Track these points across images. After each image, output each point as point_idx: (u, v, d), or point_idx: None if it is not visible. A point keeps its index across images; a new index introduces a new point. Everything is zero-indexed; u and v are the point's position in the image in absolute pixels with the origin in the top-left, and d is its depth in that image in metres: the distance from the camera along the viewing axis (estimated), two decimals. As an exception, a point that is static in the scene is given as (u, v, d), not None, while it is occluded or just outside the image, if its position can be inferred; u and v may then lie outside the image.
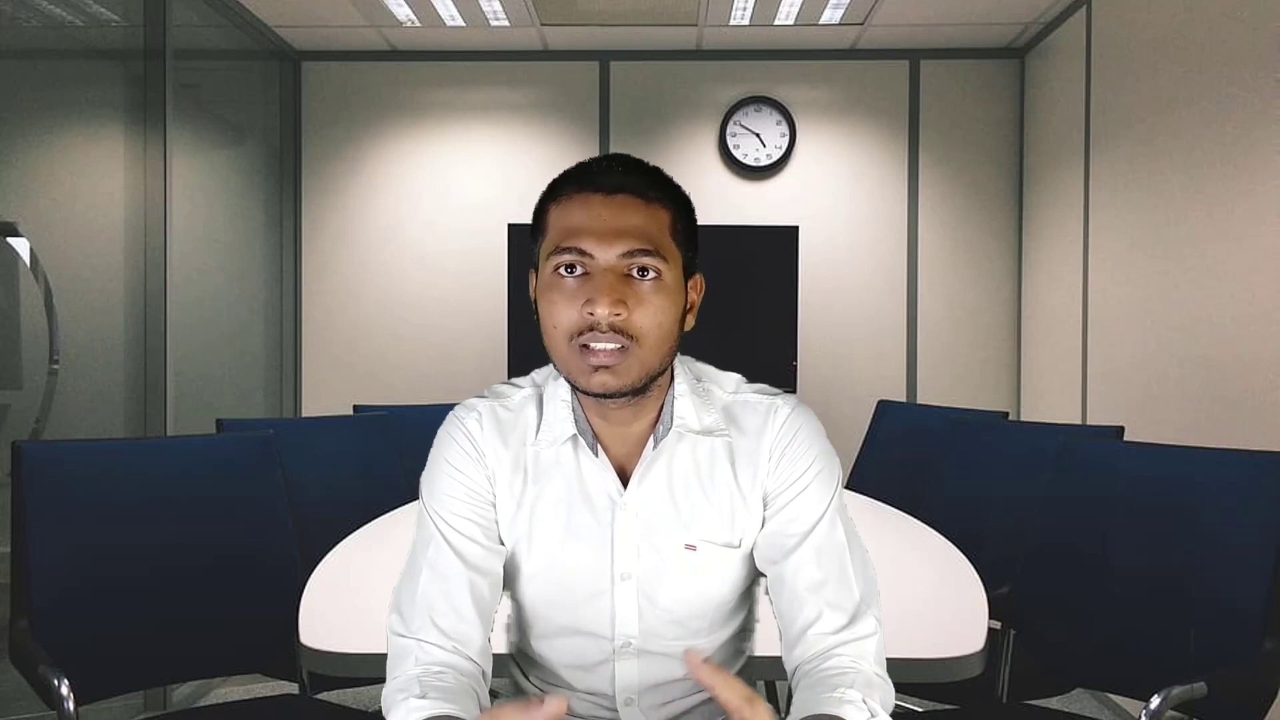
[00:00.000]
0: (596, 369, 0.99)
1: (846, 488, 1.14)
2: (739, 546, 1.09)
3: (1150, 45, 3.01)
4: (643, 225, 1.01)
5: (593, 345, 0.99)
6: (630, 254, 0.99)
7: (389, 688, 1.01)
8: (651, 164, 1.07)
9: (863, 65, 4.21)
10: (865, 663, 1.01)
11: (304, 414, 4.23)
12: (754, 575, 1.15)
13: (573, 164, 1.07)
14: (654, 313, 1.00)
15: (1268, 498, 1.61)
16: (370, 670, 1.30)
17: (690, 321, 1.08)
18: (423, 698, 0.96)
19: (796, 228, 4.11)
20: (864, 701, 0.94)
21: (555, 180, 1.06)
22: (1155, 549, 1.77)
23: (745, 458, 1.09)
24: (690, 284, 1.07)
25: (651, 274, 1.00)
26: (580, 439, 1.08)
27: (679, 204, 1.06)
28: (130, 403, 3.19)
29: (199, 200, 3.58)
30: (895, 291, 4.22)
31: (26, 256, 2.76)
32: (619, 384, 1.00)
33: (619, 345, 0.99)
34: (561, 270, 1.01)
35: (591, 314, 0.98)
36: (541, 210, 1.06)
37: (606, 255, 0.99)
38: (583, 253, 1.00)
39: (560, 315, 1.00)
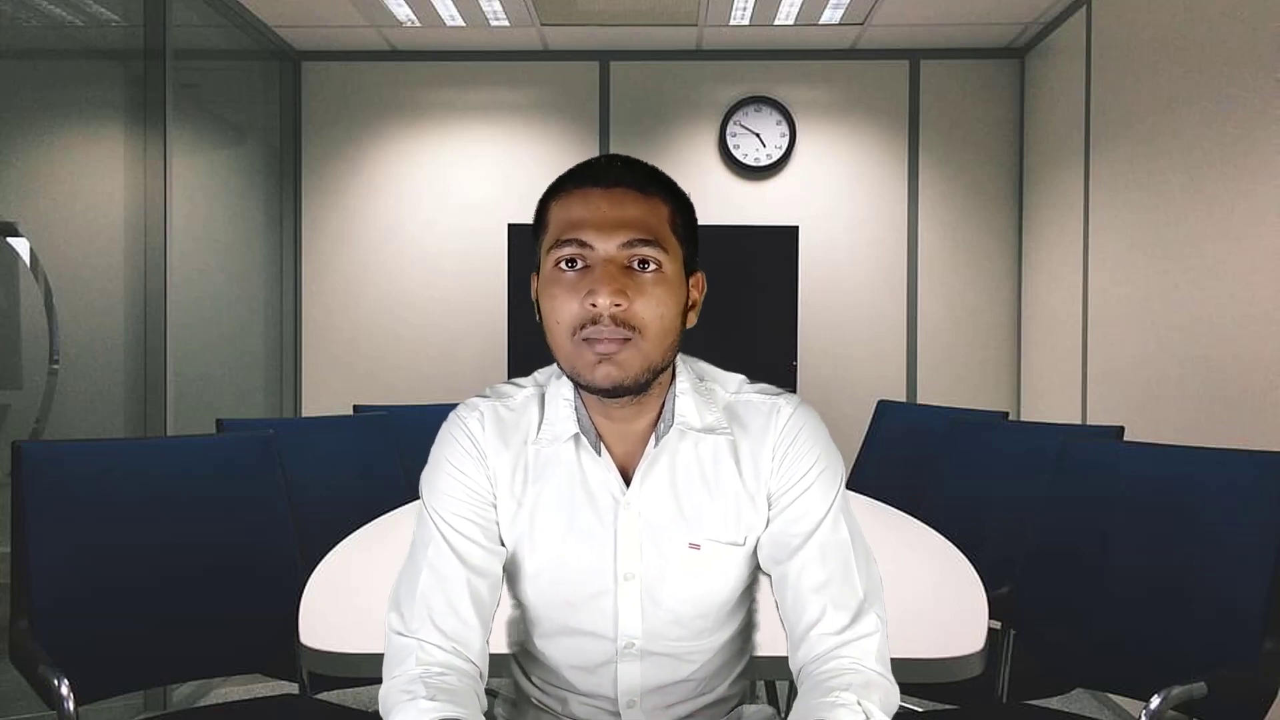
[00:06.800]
0: (600, 360, 0.99)
1: (846, 488, 1.13)
2: (743, 544, 1.09)
3: (1150, 45, 3.02)
4: (642, 216, 1.01)
5: (595, 338, 0.99)
6: (630, 244, 1.00)
7: (390, 686, 1.01)
8: (650, 164, 1.08)
9: (863, 65, 4.21)
10: (866, 662, 1.01)
11: (304, 414, 4.23)
12: (755, 573, 1.15)
13: (573, 164, 1.08)
14: (655, 304, 1.00)
15: (1268, 498, 1.61)
16: (370, 670, 1.30)
17: (693, 319, 1.08)
18: (432, 700, 0.96)
19: (796, 228, 4.11)
20: (859, 703, 0.94)
21: (555, 180, 1.07)
22: (1155, 549, 1.77)
23: (749, 456, 1.09)
24: (692, 281, 1.08)
25: (652, 266, 1.01)
26: (583, 438, 1.08)
27: (678, 199, 1.07)
28: (130, 403, 3.19)
29: (199, 200, 3.58)
30: (895, 291, 4.22)
31: (26, 256, 2.76)
32: (622, 376, 1.00)
33: (621, 338, 0.99)
34: (562, 265, 1.01)
35: (593, 305, 0.98)
36: (542, 208, 1.07)
37: (607, 246, 1.00)
38: (583, 244, 1.00)
39: (562, 309, 1.00)
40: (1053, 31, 3.83)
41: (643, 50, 4.19)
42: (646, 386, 1.03)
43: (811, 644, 1.03)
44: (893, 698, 1.00)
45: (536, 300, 1.06)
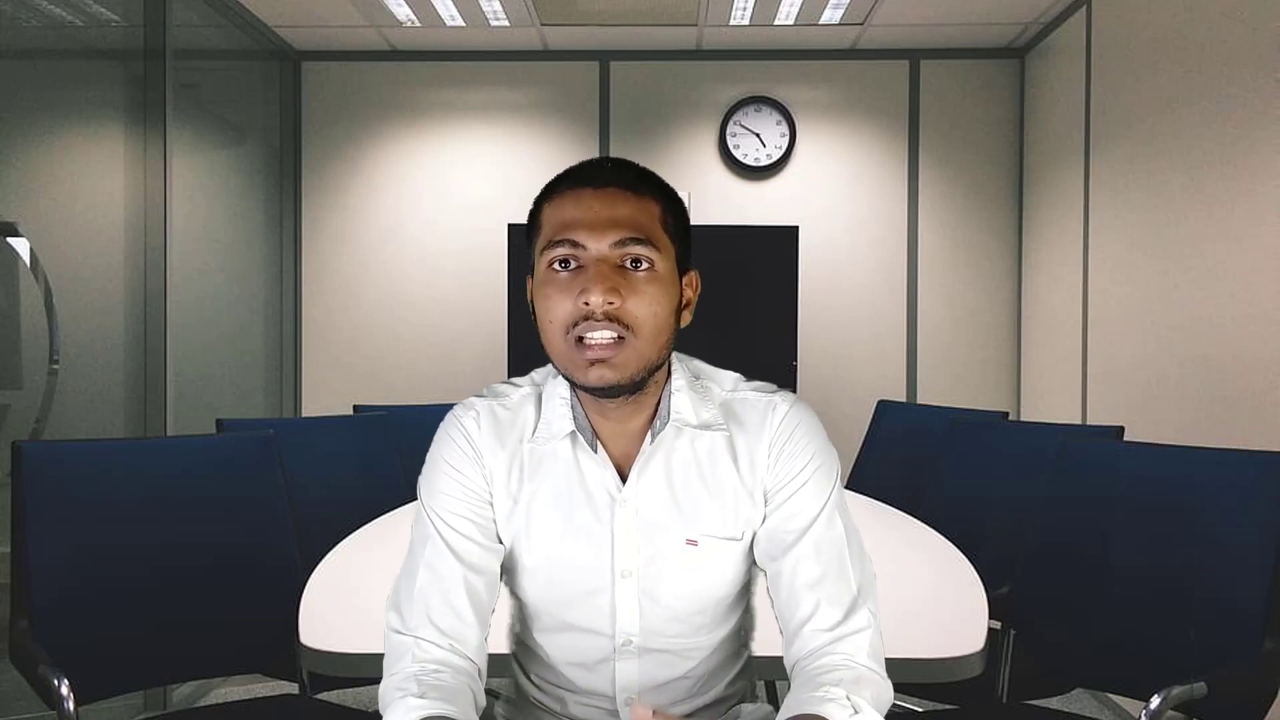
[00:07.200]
0: (593, 363, 1.00)
1: (847, 488, 1.14)
2: (741, 539, 1.10)
3: (1150, 45, 3.02)
4: (633, 215, 1.02)
5: (588, 337, 1.00)
6: (622, 243, 1.01)
7: (386, 684, 1.01)
8: (642, 165, 1.09)
9: (863, 65, 4.21)
10: (858, 658, 1.01)
11: (304, 414, 4.23)
12: (752, 569, 1.15)
13: (571, 165, 1.08)
14: (648, 302, 1.01)
15: (1268, 498, 1.61)
16: (370, 670, 1.30)
17: (687, 318, 1.09)
18: (421, 697, 0.96)
19: (796, 228, 4.11)
20: (848, 698, 0.95)
21: (547, 183, 1.09)
22: (1155, 549, 1.77)
23: (746, 452, 1.10)
24: (685, 280, 1.08)
25: (645, 264, 1.02)
26: (579, 436, 1.09)
27: (668, 198, 1.08)
28: (130, 403, 3.19)
29: (199, 200, 3.58)
30: (895, 291, 4.22)
31: (26, 256, 2.76)
32: (617, 377, 1.00)
33: (615, 335, 1.00)
34: (556, 265, 1.02)
35: (586, 303, 0.99)
36: (535, 211, 1.08)
37: (599, 245, 1.01)
38: (575, 244, 1.01)
39: (555, 309, 1.01)
40: (1053, 31, 3.83)
41: (643, 50, 4.19)
42: (642, 385, 1.04)
43: (805, 640, 1.04)
44: (885, 693, 1.00)
45: (531, 302, 1.06)
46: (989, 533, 2.34)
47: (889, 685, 1.02)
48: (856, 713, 0.94)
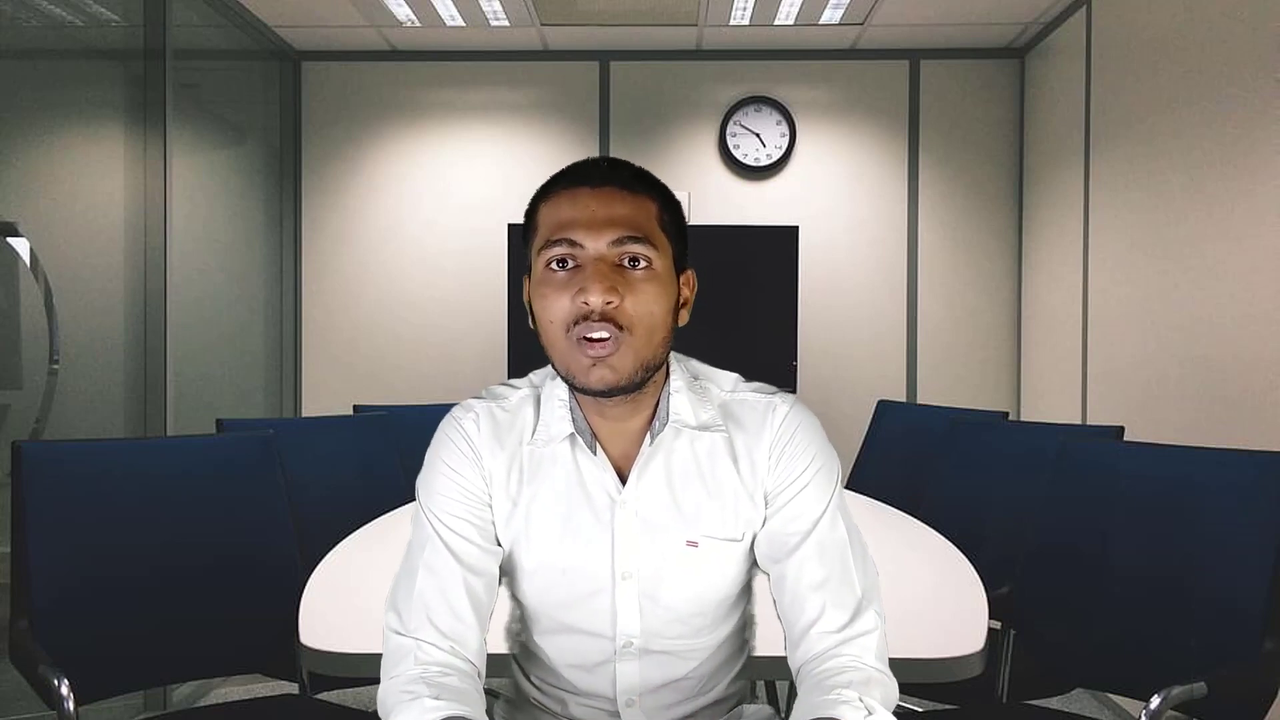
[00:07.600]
0: (594, 363, 1.00)
1: (847, 488, 1.14)
2: (741, 540, 1.10)
3: (1150, 45, 3.01)
4: (630, 214, 1.02)
5: (588, 337, 0.99)
6: (620, 241, 1.01)
7: (390, 686, 1.01)
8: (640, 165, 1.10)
9: (863, 65, 4.21)
10: (866, 659, 1.02)
11: (304, 414, 4.23)
12: (752, 570, 1.15)
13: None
14: (646, 301, 1.01)
15: (1268, 498, 1.61)
16: (370, 670, 1.30)
17: (684, 317, 1.09)
18: (436, 698, 0.96)
19: (796, 228, 4.11)
20: (860, 700, 0.95)
21: (543, 183, 1.08)
22: (1155, 549, 1.77)
23: (746, 454, 1.10)
24: (682, 279, 1.08)
25: (642, 263, 1.02)
26: (579, 438, 1.09)
27: (664, 197, 1.08)
28: (130, 403, 3.19)
29: (199, 200, 3.58)
30: (895, 291, 4.22)
31: (26, 256, 2.76)
32: (616, 378, 1.00)
33: (613, 335, 1.00)
34: (553, 265, 1.02)
35: (586, 303, 0.99)
36: (532, 211, 1.08)
37: (596, 244, 1.01)
38: (573, 243, 1.01)
39: (554, 308, 1.01)
40: (1053, 31, 3.83)
41: (643, 50, 4.19)
42: (641, 385, 1.04)
43: (811, 642, 1.04)
44: (892, 694, 1.01)
45: (529, 303, 1.06)
46: (989, 533, 2.34)
47: (895, 685, 1.02)
48: (870, 714, 0.94)
